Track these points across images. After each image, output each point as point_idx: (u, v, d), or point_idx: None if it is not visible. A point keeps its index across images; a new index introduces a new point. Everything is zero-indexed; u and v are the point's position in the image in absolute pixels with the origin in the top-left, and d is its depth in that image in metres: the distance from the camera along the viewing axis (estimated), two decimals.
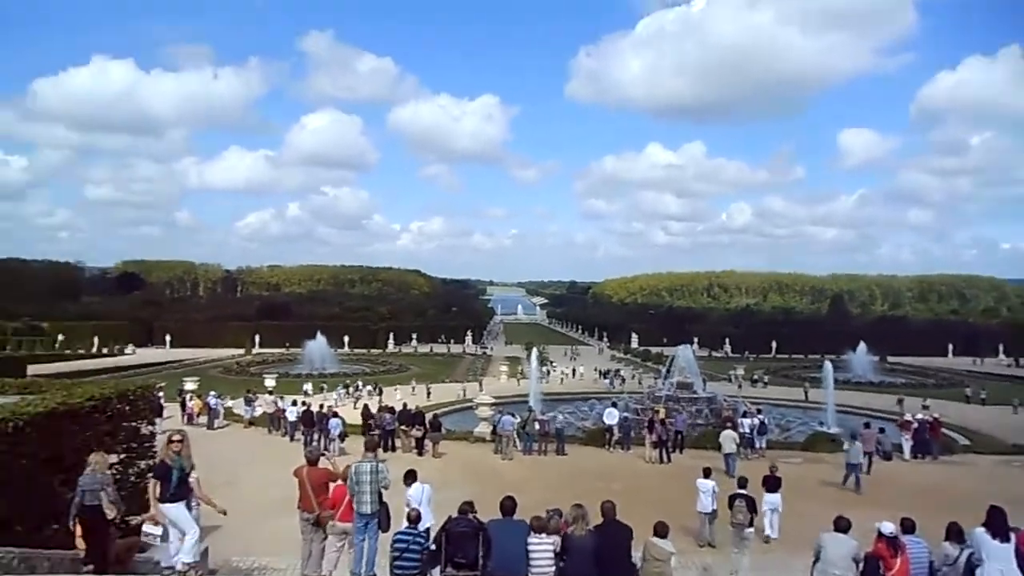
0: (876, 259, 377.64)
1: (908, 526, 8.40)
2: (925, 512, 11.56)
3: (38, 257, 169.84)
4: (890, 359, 76.28)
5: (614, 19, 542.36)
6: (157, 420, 25.36)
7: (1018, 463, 23.93)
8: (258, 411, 31.52)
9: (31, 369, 41.02)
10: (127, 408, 11.64)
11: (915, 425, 25.29)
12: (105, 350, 76.42)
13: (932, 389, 53.98)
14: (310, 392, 43.09)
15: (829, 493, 19.18)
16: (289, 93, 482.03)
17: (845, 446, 21.12)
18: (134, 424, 11.88)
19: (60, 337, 79.11)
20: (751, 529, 12.48)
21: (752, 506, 12.61)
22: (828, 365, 42.76)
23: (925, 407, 36.35)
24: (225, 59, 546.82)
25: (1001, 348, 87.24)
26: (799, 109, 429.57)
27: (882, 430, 24.22)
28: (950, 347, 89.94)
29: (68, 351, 72.54)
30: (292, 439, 26.47)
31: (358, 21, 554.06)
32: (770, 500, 15.17)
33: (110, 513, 8.05)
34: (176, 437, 8.66)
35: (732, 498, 12.72)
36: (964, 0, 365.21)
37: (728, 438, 21.87)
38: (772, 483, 15.49)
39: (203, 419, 30.01)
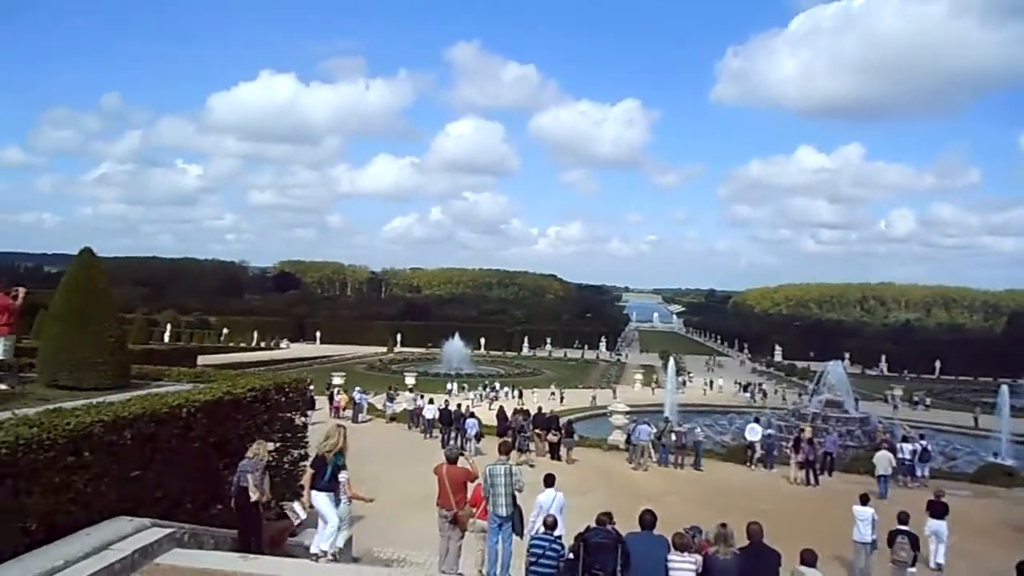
0: None
1: None
2: None
3: (208, 257, 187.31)
4: None
5: (765, 17, 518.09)
6: (309, 412, 27.01)
7: None
8: (399, 408, 32.79)
9: (200, 359, 44.90)
10: (283, 399, 12.36)
11: None
12: (263, 344, 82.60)
13: None
14: (455, 391, 44.35)
15: (1004, 532, 17.25)
16: (435, 102, 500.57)
17: None
18: (289, 415, 12.61)
19: (225, 330, 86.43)
20: (914, 569, 11.51)
21: (916, 544, 11.62)
22: (1004, 389, 38.63)
23: None
24: (376, 71, 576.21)
25: None
26: (974, 107, 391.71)
27: None
28: None
29: (231, 344, 79.07)
30: (428, 436, 27.28)
31: (503, 30, 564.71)
32: (935, 526, 14.13)
33: (252, 495, 8.60)
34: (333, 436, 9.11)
35: (893, 534, 11.84)
36: None
37: (884, 459, 20.53)
38: (938, 509, 14.34)
39: (348, 413, 31.59)
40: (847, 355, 77.90)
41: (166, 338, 69.72)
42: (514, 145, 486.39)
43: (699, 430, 25.70)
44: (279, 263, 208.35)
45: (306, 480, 8.98)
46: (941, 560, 14.06)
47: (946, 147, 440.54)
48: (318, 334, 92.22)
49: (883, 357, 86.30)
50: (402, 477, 17.98)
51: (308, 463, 9.71)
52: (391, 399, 33.30)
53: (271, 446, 10.31)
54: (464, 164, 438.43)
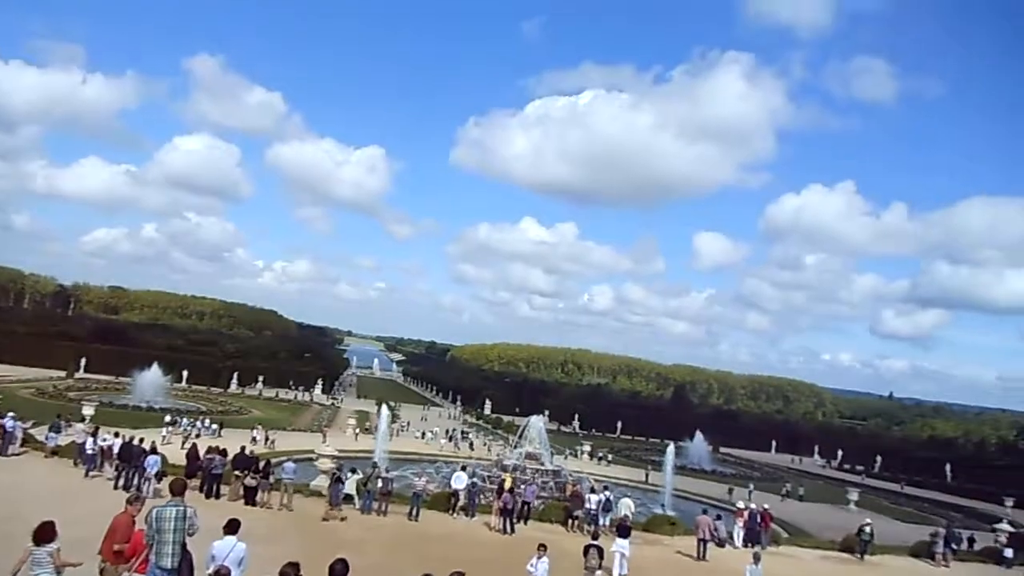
0: (717, 355, 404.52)
1: None
2: None
3: None
4: (722, 449, 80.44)
5: (505, 96, 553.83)
6: None
7: (834, 557, 25.37)
8: (64, 441, 28.03)
9: None
10: None
11: (747, 514, 26.25)
12: None
13: (757, 481, 57.06)
14: (182, 423, 43.21)
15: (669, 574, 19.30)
16: (165, 111, 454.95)
17: (748, 569, 17.07)
18: None
19: None
20: (600, 572, 15.38)
21: (601, 554, 15.49)
22: (671, 449, 44.15)
23: (750, 495, 38.48)
24: (99, 65, 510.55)
25: (816, 449, 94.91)
26: (666, 207, 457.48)
27: (719, 517, 24.94)
28: (774, 444, 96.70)
29: None
30: (87, 475, 23.64)
31: (252, 52, 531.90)
32: (621, 544, 18.18)
33: None
34: None
35: (587, 548, 15.49)
36: (815, 136, 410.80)
37: (624, 505, 25.18)
38: (624, 530, 18.92)
39: None
40: (547, 412, 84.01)
41: None
42: (249, 171, 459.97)
43: (422, 481, 25.50)
44: None
45: None
46: (624, 572, 17.83)
47: (641, 237, 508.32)
48: None
49: (576, 416, 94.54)
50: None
51: None
52: (56, 429, 28.39)
53: None
54: (190, 182, 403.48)
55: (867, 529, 25.61)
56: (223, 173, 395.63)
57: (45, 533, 9.31)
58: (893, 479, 71.53)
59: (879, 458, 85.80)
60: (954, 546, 27.46)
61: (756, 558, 16.72)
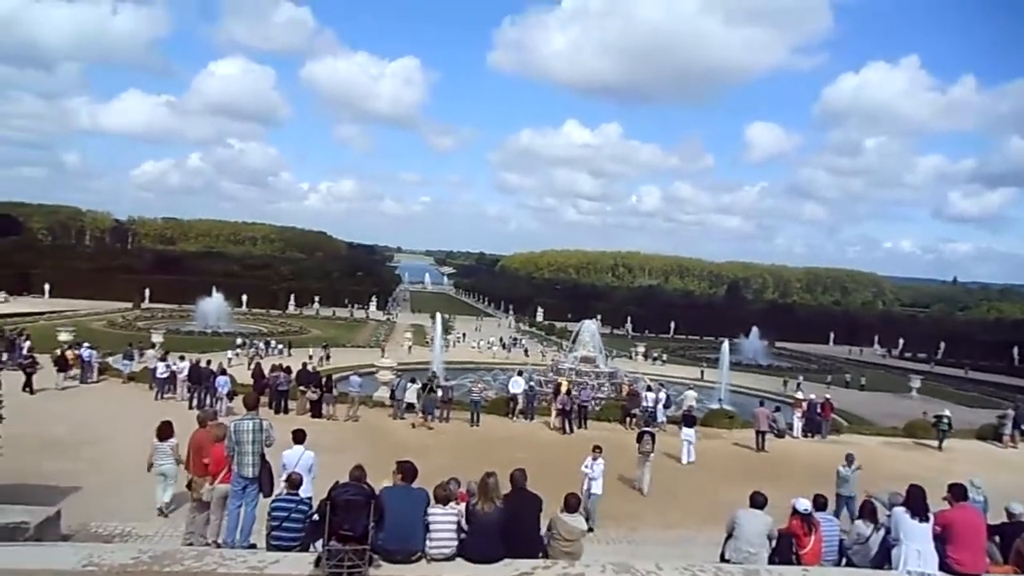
0: (771, 249, 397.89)
1: (820, 503, 8.27)
2: (818, 489, 11.66)
3: None
4: (778, 344, 79.79)
5: None
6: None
7: (897, 444, 25.21)
8: (138, 367, 29.35)
9: None
10: None
11: (805, 404, 26.14)
12: None
13: (814, 374, 56.68)
14: (253, 345, 45.24)
15: (728, 468, 19.48)
16: (197, 36, 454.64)
17: (842, 471, 14.35)
18: None
19: None
20: (653, 454, 16.43)
21: (654, 439, 16.55)
22: (726, 346, 44.06)
23: (799, 386, 38.43)
24: None
25: (876, 339, 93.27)
26: (714, 99, 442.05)
27: (777, 408, 24.90)
28: (831, 335, 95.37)
29: None
30: (159, 397, 24.91)
31: None
32: (687, 433, 19.56)
33: None
34: None
35: (641, 434, 16.55)
36: (877, 6, 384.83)
37: (690, 397, 27.21)
38: (690, 420, 20.34)
39: (75, 372, 27.65)
40: (599, 316, 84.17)
41: None
42: (285, 93, 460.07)
43: (479, 387, 26.11)
44: None
45: None
46: (692, 459, 19.31)
47: (688, 132, 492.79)
48: (47, 287, 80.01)
49: (628, 318, 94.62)
50: (133, 442, 15.90)
51: None
52: (129, 357, 29.72)
53: None
54: (229, 108, 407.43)
55: (945, 420, 25.14)
56: (260, 96, 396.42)
57: (166, 431, 11.30)
58: (957, 365, 70.09)
59: (943, 345, 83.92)
60: (1023, 427, 26.98)
61: (850, 460, 14.52)
